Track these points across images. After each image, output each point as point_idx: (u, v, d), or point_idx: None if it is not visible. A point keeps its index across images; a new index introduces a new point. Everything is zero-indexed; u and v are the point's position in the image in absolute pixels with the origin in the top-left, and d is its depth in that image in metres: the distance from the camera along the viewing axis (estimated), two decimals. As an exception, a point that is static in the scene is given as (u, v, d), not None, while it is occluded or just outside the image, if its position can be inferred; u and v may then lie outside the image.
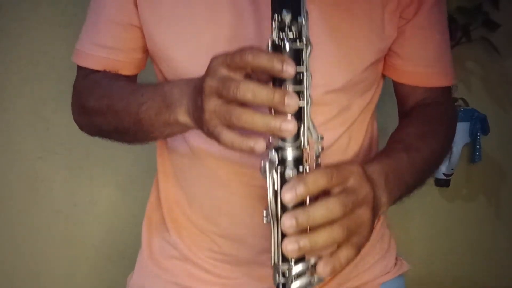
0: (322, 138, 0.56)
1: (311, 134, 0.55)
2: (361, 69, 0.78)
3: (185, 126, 0.64)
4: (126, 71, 0.82)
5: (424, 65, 0.84)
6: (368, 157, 0.86)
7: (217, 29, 0.74)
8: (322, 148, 0.56)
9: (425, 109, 0.85)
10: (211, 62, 0.56)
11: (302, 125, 0.54)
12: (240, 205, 0.80)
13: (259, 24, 0.73)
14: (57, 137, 1.62)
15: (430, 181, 0.80)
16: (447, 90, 0.89)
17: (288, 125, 0.51)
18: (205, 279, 0.87)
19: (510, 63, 1.80)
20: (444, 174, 1.74)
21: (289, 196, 0.50)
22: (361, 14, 0.76)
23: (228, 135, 0.55)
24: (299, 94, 0.53)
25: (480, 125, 1.73)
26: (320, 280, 0.54)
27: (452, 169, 1.74)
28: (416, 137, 0.77)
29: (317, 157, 0.56)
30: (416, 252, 1.88)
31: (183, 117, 0.63)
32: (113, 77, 0.80)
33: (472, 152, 1.78)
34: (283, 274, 0.55)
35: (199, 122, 0.59)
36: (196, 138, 0.80)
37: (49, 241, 1.68)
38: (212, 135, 0.57)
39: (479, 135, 1.74)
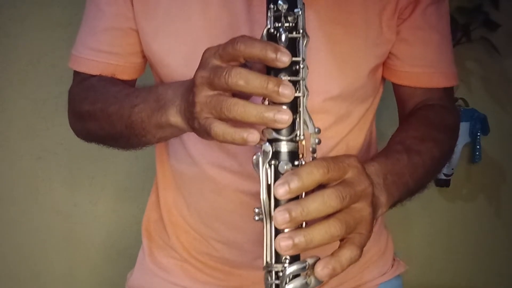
0: (319, 131, 0.53)
1: (307, 127, 0.52)
2: (360, 76, 0.77)
3: (177, 127, 0.61)
4: (125, 75, 0.81)
5: (421, 65, 0.82)
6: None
7: (213, 36, 0.73)
8: (319, 141, 0.53)
9: (426, 111, 0.82)
10: (203, 54, 0.54)
11: (297, 117, 0.51)
12: (237, 213, 0.79)
13: (254, 29, 0.72)
14: (57, 137, 1.62)
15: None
16: (448, 91, 0.86)
17: (283, 116, 0.49)
18: (204, 280, 0.86)
19: (510, 63, 1.80)
20: (444, 174, 1.74)
21: (282, 190, 0.47)
22: (358, 19, 0.75)
23: (219, 127, 0.52)
24: (295, 84, 0.50)
25: (480, 125, 1.72)
26: (318, 282, 0.49)
27: (452, 169, 1.73)
28: (416, 139, 0.74)
29: (314, 150, 0.53)
30: (416, 252, 1.88)
31: (174, 117, 0.60)
32: (109, 81, 0.78)
33: (472, 152, 1.78)
34: (276, 275, 0.50)
35: (191, 120, 0.56)
36: (195, 145, 0.79)
37: (49, 241, 1.68)
38: (203, 129, 0.54)
39: (479, 135, 1.74)
